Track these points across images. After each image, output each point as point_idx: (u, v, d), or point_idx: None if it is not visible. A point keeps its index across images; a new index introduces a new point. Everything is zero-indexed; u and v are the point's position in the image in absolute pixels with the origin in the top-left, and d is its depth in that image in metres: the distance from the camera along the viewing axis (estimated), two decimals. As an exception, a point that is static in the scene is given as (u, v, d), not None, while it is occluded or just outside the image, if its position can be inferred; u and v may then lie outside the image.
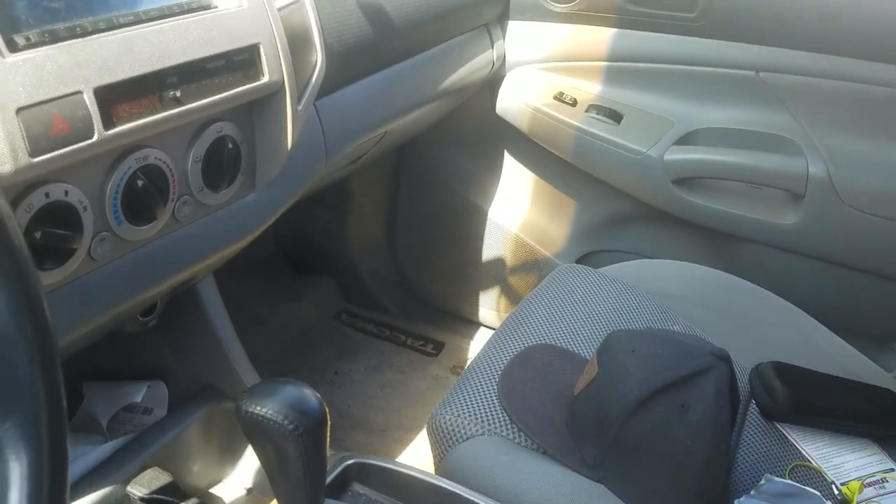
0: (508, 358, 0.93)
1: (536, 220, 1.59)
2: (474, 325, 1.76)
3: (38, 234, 0.61)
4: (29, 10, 0.59)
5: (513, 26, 1.46)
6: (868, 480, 0.85)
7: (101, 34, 0.62)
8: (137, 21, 0.66)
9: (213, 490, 1.07)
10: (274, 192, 0.89)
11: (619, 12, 1.34)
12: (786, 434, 0.90)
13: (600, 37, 1.37)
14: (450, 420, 0.85)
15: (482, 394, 0.88)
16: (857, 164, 1.19)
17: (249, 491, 1.07)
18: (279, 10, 0.78)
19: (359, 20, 1.03)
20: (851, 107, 1.20)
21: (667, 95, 1.34)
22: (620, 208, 1.45)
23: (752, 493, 0.80)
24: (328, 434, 0.52)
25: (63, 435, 0.36)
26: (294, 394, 0.51)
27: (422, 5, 1.17)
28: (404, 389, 1.60)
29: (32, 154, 0.56)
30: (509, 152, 1.58)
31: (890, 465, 0.88)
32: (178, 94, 0.68)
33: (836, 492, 0.84)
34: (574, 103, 1.39)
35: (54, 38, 0.60)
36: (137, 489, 0.91)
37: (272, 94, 0.79)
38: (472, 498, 0.67)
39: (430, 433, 0.88)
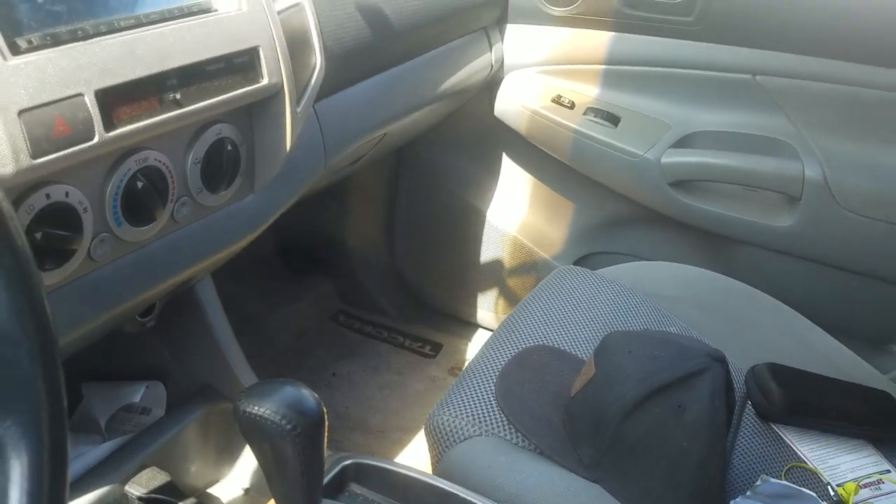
0: (506, 359, 0.93)
1: (534, 222, 1.59)
2: (472, 326, 1.76)
3: (38, 235, 0.61)
4: (31, 14, 0.60)
5: (511, 30, 1.46)
6: (864, 482, 0.85)
7: (103, 37, 0.63)
8: (138, 24, 0.66)
9: (210, 490, 1.07)
10: (273, 194, 0.89)
11: (617, 16, 1.34)
12: (782, 435, 0.90)
13: (598, 40, 1.37)
14: (447, 421, 0.86)
15: (480, 395, 0.89)
16: (854, 166, 1.19)
17: (247, 491, 1.07)
18: (279, 13, 0.79)
19: (358, 23, 1.03)
20: (848, 110, 1.20)
21: (664, 99, 1.34)
22: (618, 210, 1.46)
23: (748, 494, 0.80)
24: (326, 434, 0.53)
25: (63, 434, 0.36)
26: (292, 394, 0.51)
27: (421, 9, 1.18)
28: (402, 391, 1.61)
29: (34, 155, 0.57)
30: (507, 155, 1.59)
31: (886, 466, 0.88)
32: (178, 96, 0.68)
33: (832, 493, 0.84)
34: (572, 106, 1.40)
35: (56, 41, 0.60)
36: (135, 489, 0.91)
37: (271, 97, 0.79)
38: (469, 498, 0.67)
39: (427, 434, 0.88)
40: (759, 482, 0.82)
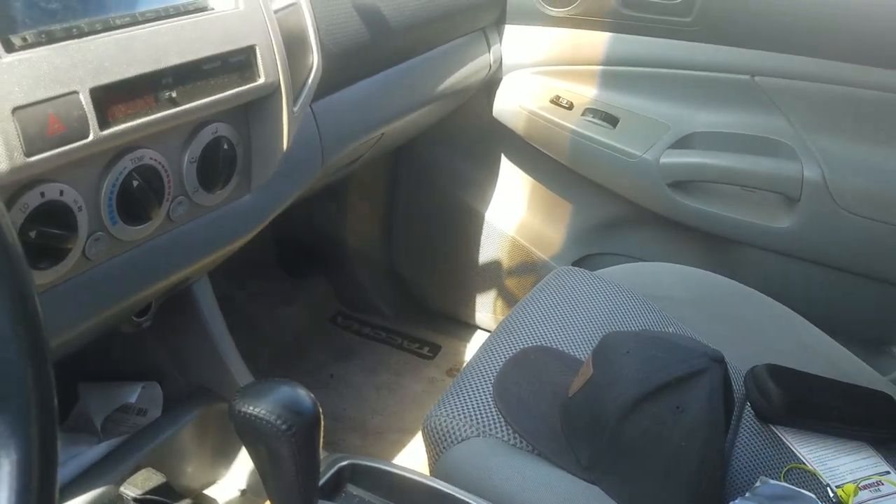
0: (504, 360, 0.93)
1: (533, 222, 1.59)
2: (471, 327, 1.76)
3: (32, 234, 0.61)
4: (26, 11, 0.59)
5: (509, 30, 1.46)
6: (863, 483, 0.85)
7: (98, 35, 0.62)
8: (134, 22, 0.66)
9: (206, 491, 1.07)
10: (269, 194, 0.89)
11: (615, 17, 1.34)
12: (781, 436, 0.90)
13: (596, 41, 1.37)
14: (445, 422, 0.85)
15: (477, 395, 0.88)
16: (852, 167, 1.19)
17: (243, 492, 1.07)
18: (275, 12, 0.79)
19: (355, 23, 1.03)
20: (846, 111, 1.20)
21: (662, 99, 1.34)
22: (616, 211, 1.46)
23: (747, 495, 0.80)
24: (322, 435, 0.52)
25: (54, 432, 0.36)
26: (287, 394, 0.51)
27: (419, 9, 1.17)
28: (400, 392, 1.60)
29: (28, 153, 0.56)
30: (506, 155, 1.59)
31: (885, 467, 0.88)
32: (174, 94, 0.68)
33: (832, 494, 0.84)
34: (570, 107, 1.39)
35: (51, 39, 0.60)
36: (131, 490, 0.91)
37: (268, 96, 0.79)
38: (466, 500, 0.67)
39: (424, 435, 0.88)
40: (758, 483, 0.81)
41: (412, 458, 1.43)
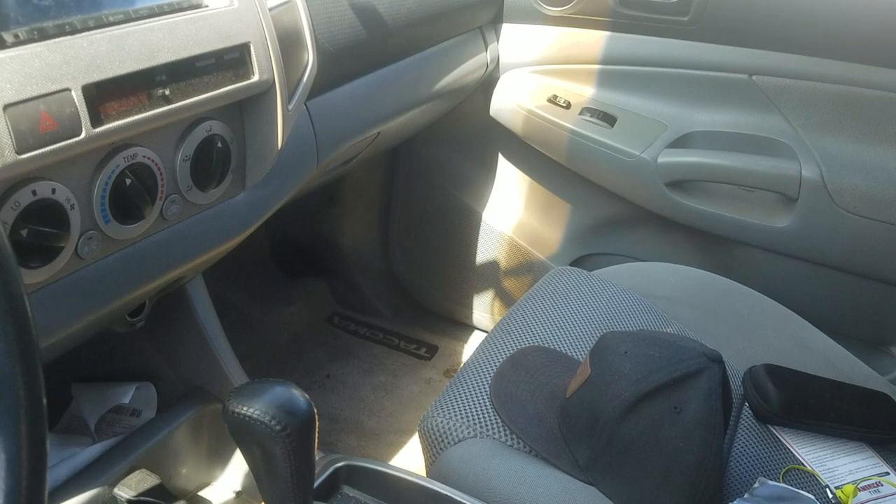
0: (501, 360, 0.93)
1: (530, 222, 1.59)
2: (468, 328, 1.75)
3: (24, 232, 0.60)
4: (18, 8, 0.59)
5: (507, 29, 1.46)
6: (862, 484, 0.85)
7: (91, 32, 0.62)
8: (127, 19, 0.65)
9: (201, 493, 1.06)
10: (263, 192, 0.89)
11: (613, 16, 1.34)
12: (779, 437, 0.90)
13: (594, 40, 1.37)
14: (441, 423, 0.85)
15: (474, 396, 0.88)
16: (851, 166, 1.19)
17: (239, 494, 1.06)
18: (270, 9, 0.78)
19: (351, 21, 1.02)
20: (844, 110, 1.20)
21: (660, 99, 1.34)
22: (614, 211, 1.45)
23: (745, 496, 0.79)
24: (316, 435, 0.52)
25: (43, 431, 0.36)
26: (281, 394, 0.51)
27: (415, 7, 1.17)
28: (397, 393, 1.60)
29: (19, 151, 0.56)
30: (503, 155, 1.58)
31: (884, 468, 0.88)
32: (167, 92, 0.67)
33: (831, 495, 0.83)
34: (568, 106, 1.39)
35: (43, 36, 0.59)
36: (125, 491, 0.90)
37: (262, 94, 0.78)
38: (463, 501, 0.66)
39: (421, 436, 0.87)
40: (756, 484, 0.81)
41: (409, 460, 1.42)
